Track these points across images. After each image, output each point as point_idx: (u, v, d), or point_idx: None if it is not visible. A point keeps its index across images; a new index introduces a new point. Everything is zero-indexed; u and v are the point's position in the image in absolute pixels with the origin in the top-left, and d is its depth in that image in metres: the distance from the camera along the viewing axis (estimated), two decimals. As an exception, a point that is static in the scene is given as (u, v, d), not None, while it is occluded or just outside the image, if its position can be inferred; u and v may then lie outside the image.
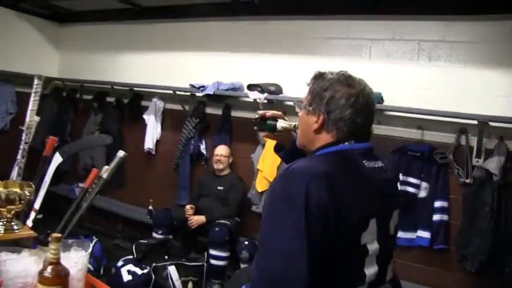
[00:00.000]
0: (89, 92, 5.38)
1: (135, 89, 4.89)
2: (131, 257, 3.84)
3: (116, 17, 5.17)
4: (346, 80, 1.23)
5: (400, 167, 3.44)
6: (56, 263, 1.19)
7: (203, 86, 4.17)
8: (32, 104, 2.30)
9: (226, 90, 4.13)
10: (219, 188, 4.12)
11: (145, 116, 4.71)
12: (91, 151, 4.96)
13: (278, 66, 4.13)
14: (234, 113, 4.37)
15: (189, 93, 4.46)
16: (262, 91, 3.85)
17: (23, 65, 5.28)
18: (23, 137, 2.29)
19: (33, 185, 1.74)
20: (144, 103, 4.91)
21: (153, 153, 4.76)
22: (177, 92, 4.49)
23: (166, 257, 3.92)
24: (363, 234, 1.09)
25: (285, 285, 0.97)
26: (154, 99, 4.69)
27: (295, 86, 3.94)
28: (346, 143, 1.19)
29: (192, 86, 4.26)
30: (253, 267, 1.05)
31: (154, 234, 4.10)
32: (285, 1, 3.96)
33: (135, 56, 5.09)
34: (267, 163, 3.96)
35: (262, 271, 1.02)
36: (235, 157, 4.29)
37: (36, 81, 2.29)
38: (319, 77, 1.29)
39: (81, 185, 5.12)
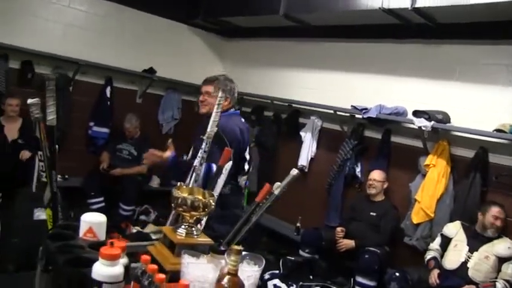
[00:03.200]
0: (248, 104, 6.09)
1: (294, 105, 5.45)
2: (277, 271, 4.31)
3: (279, 34, 5.81)
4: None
5: None
6: (234, 274, 1.33)
7: (365, 109, 4.50)
8: (215, 115, 2.53)
9: (389, 114, 4.40)
10: (371, 213, 4.37)
11: (302, 133, 5.23)
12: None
13: (447, 94, 4.27)
14: (394, 138, 4.63)
15: (348, 114, 4.85)
16: (429, 119, 4.02)
17: (189, 75, 6.20)
18: (203, 146, 2.52)
19: (215, 195, 1.93)
20: (301, 120, 5.43)
21: (306, 170, 5.21)
22: (337, 112, 4.91)
23: (311, 277, 4.33)
24: (245, 152, 2.77)
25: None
26: (313, 117, 5.18)
27: (465, 115, 4.07)
28: (232, 109, 2.87)
29: (354, 107, 4.62)
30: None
31: (301, 252, 4.52)
32: (464, 25, 4.03)
33: (297, 72, 5.65)
34: (426, 194, 4.11)
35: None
36: (392, 184, 4.52)
37: (220, 94, 2.50)
38: (215, 79, 2.94)
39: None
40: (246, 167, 2.86)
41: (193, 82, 6.26)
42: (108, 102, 5.77)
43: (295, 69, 5.69)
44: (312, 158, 5.23)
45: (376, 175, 4.45)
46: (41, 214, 4.05)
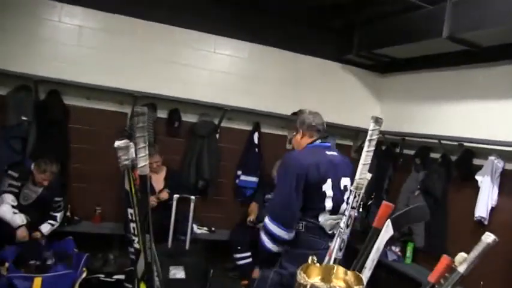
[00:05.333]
0: (411, 146, 5.42)
1: (466, 144, 4.64)
2: None
3: (442, 63, 5.14)
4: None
5: None
6: None
7: None
8: (365, 157, 1.99)
9: None
10: None
11: (478, 177, 4.36)
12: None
13: None
14: None
15: (540, 152, 3.93)
16: None
17: (344, 117, 5.84)
18: (350, 200, 2.03)
19: (362, 277, 1.46)
20: (476, 161, 4.57)
21: (486, 223, 4.29)
22: (524, 149, 4.00)
23: None
24: (323, 186, 2.59)
25: (287, 206, 2.57)
26: (491, 158, 4.29)
27: None
28: (318, 141, 2.80)
29: (547, 141, 3.72)
30: (271, 202, 3.11)
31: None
32: None
33: (467, 105, 4.84)
34: None
35: (276, 202, 2.71)
36: None
37: (372, 126, 1.97)
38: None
39: (394, 248, 5.13)
40: (328, 204, 2.63)
41: (348, 124, 5.88)
42: (256, 149, 5.63)
43: (464, 102, 4.88)
44: (493, 208, 4.31)
45: None
46: (177, 272, 3.98)
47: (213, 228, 5.35)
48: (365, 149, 2.02)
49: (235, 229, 5.25)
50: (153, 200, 4.65)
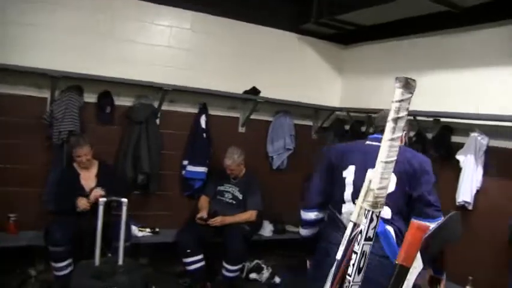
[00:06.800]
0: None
1: (443, 119, 4.19)
2: None
3: (415, 29, 4.63)
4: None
5: None
6: None
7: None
8: (388, 150, 1.38)
9: None
10: None
11: (459, 157, 3.90)
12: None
13: None
14: None
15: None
16: None
17: (302, 94, 5.40)
18: (363, 226, 1.42)
19: None
20: (455, 139, 4.14)
21: (470, 208, 3.87)
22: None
23: None
24: (343, 171, 2.61)
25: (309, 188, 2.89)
26: (474, 134, 3.83)
27: None
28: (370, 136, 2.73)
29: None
30: None
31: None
32: None
33: (445, 75, 4.36)
34: None
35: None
36: None
37: (398, 94, 1.40)
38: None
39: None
40: (348, 192, 2.57)
41: (308, 102, 5.37)
42: (204, 135, 4.98)
43: (441, 72, 4.40)
44: (477, 191, 3.87)
45: None
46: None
47: (157, 229, 4.69)
48: (386, 135, 1.31)
49: (182, 229, 4.57)
50: (84, 204, 3.90)
